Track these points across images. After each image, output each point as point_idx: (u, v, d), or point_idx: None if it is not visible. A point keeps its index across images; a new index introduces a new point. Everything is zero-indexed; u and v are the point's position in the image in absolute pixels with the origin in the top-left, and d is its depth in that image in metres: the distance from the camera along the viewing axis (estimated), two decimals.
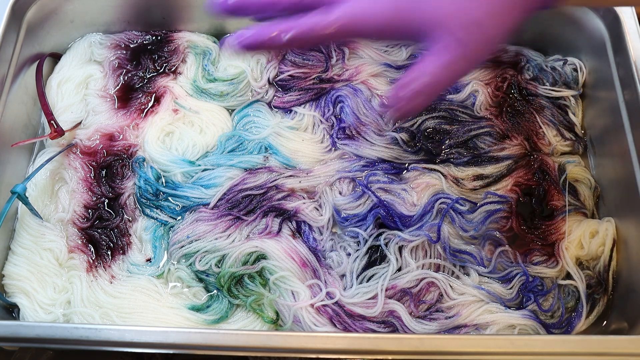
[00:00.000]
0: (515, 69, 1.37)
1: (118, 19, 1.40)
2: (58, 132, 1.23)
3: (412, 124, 1.31)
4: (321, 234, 1.21)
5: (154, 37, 1.42)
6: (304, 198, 1.23)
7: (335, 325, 1.10)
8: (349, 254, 1.18)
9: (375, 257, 1.18)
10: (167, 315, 1.12)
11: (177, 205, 1.23)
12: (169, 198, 1.24)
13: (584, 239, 1.17)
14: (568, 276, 1.15)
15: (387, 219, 1.20)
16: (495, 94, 1.35)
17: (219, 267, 1.16)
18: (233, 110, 1.36)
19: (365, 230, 1.19)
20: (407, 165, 1.28)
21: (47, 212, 1.23)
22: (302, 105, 1.34)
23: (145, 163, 1.27)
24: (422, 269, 1.16)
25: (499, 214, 1.20)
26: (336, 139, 1.30)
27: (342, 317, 1.10)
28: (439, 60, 0.81)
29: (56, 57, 1.39)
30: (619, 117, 1.20)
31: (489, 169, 1.26)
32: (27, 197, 1.17)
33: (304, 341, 0.96)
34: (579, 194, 1.24)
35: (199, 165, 1.26)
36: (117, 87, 1.36)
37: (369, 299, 1.12)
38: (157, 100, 1.34)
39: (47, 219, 1.22)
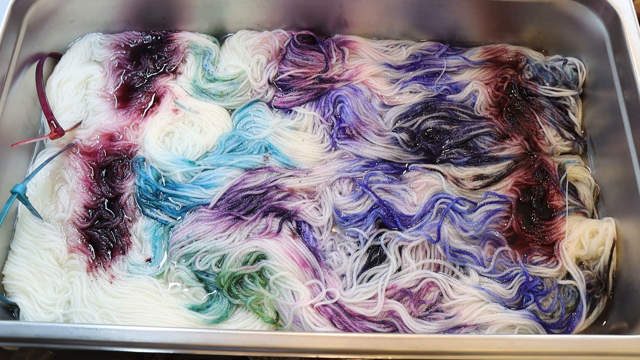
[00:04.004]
0: (515, 69, 1.37)
1: (118, 18, 1.40)
2: (58, 132, 1.23)
3: (412, 124, 1.31)
4: (321, 233, 1.21)
5: (154, 37, 1.42)
6: (304, 198, 1.23)
7: (335, 325, 1.10)
8: (349, 254, 1.18)
9: (375, 257, 1.18)
10: (167, 315, 1.12)
11: (177, 205, 1.23)
12: (169, 198, 1.24)
13: (584, 238, 1.17)
14: (568, 276, 1.15)
15: (387, 219, 1.20)
16: (495, 94, 1.35)
17: (219, 267, 1.16)
18: (233, 110, 1.36)
19: (365, 230, 1.19)
20: (407, 165, 1.28)
21: (47, 212, 1.23)
22: (302, 105, 1.34)
23: (145, 163, 1.27)
24: (422, 269, 1.16)
25: (499, 214, 1.20)
26: (336, 139, 1.30)
27: (342, 317, 1.10)
28: None
29: (56, 57, 1.39)
30: (619, 117, 1.20)
31: (489, 169, 1.26)
32: (27, 197, 1.17)
33: (304, 341, 0.97)
34: (579, 193, 1.24)
35: (199, 165, 1.26)
36: (117, 87, 1.36)
37: (369, 299, 1.13)
38: (157, 100, 1.34)
39: (47, 219, 1.22)
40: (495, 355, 0.97)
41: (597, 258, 1.17)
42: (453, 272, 1.17)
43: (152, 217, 1.22)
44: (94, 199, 1.23)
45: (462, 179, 1.25)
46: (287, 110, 1.34)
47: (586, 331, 1.13)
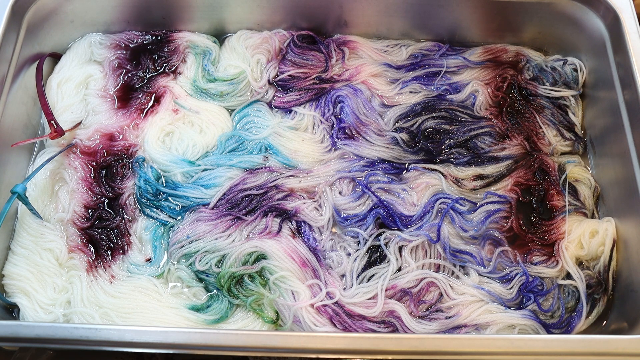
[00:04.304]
0: (515, 69, 1.37)
1: (118, 18, 1.40)
2: (58, 132, 1.23)
3: (412, 124, 1.31)
4: (321, 233, 1.21)
5: (154, 37, 1.42)
6: (304, 198, 1.23)
7: (335, 325, 1.10)
8: (349, 254, 1.18)
9: (375, 257, 1.18)
10: (167, 315, 1.12)
11: (177, 205, 1.23)
12: (169, 198, 1.24)
13: (584, 238, 1.17)
14: (568, 276, 1.15)
15: (387, 219, 1.20)
16: (495, 94, 1.35)
17: (219, 267, 1.16)
18: (233, 110, 1.36)
19: (365, 230, 1.19)
20: (407, 165, 1.28)
21: (47, 212, 1.23)
22: (302, 105, 1.34)
23: (145, 163, 1.27)
24: (422, 269, 1.16)
25: (499, 214, 1.20)
26: (336, 139, 1.30)
27: (342, 317, 1.10)
28: None
29: (56, 57, 1.39)
30: (619, 117, 1.20)
31: (489, 169, 1.26)
32: (27, 197, 1.17)
33: (304, 341, 0.97)
34: (579, 193, 1.24)
35: (199, 165, 1.26)
36: (117, 87, 1.36)
37: (369, 299, 1.12)
38: (157, 100, 1.34)
39: (47, 219, 1.22)
40: (495, 355, 0.97)
41: (597, 258, 1.17)
42: (453, 272, 1.17)
43: (152, 217, 1.22)
44: (94, 199, 1.23)
45: (462, 179, 1.25)
46: (287, 110, 1.34)
47: (586, 331, 1.13)
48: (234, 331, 1.00)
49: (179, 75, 1.38)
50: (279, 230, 1.19)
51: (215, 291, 1.15)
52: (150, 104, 1.34)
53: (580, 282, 1.14)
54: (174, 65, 1.39)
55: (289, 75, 1.37)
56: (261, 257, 1.16)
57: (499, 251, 1.17)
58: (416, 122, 1.31)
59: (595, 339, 0.98)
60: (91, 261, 1.17)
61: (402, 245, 1.18)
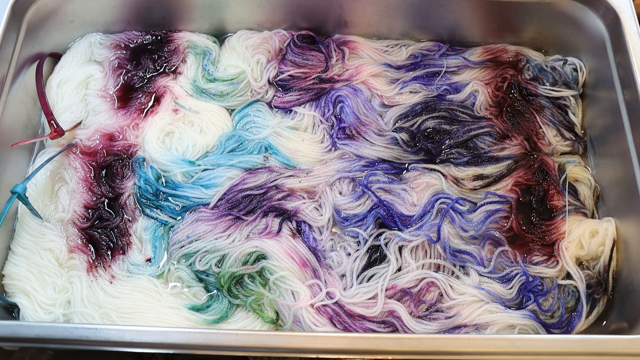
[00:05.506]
0: (515, 69, 1.37)
1: (118, 18, 1.40)
2: (58, 132, 1.23)
3: (412, 124, 1.31)
4: (321, 233, 1.21)
5: (154, 37, 1.42)
6: (304, 198, 1.23)
7: (335, 325, 1.10)
8: (349, 254, 1.18)
9: (375, 257, 1.18)
10: (167, 315, 1.12)
11: (177, 205, 1.23)
12: (169, 198, 1.24)
13: (584, 238, 1.17)
14: (568, 276, 1.15)
15: (387, 219, 1.20)
16: (495, 94, 1.35)
17: (219, 267, 1.16)
18: (233, 110, 1.36)
19: (366, 230, 1.19)
20: (407, 165, 1.28)
21: (47, 212, 1.23)
22: (302, 105, 1.34)
23: (145, 163, 1.27)
24: (422, 269, 1.16)
25: (499, 214, 1.20)
26: (336, 139, 1.30)
27: (342, 317, 1.10)
28: None
29: (56, 57, 1.39)
30: (619, 117, 1.20)
31: (489, 169, 1.26)
32: (27, 197, 1.17)
33: (304, 341, 0.97)
34: (579, 194, 1.24)
35: (199, 165, 1.26)
36: (117, 87, 1.36)
37: (369, 298, 1.12)
38: (157, 100, 1.34)
39: (47, 219, 1.22)
40: (495, 355, 0.97)
41: (597, 258, 1.17)
42: (453, 272, 1.17)
43: (152, 217, 1.22)
44: (94, 199, 1.23)
45: (462, 179, 1.25)
46: (287, 110, 1.34)
47: (586, 331, 1.13)
48: (234, 331, 1.00)
49: (179, 75, 1.38)
50: (279, 230, 1.19)
51: (215, 291, 1.15)
52: (150, 104, 1.34)
53: (580, 282, 1.14)
54: (174, 65, 1.39)
55: (289, 75, 1.37)
56: (261, 257, 1.16)
57: (499, 251, 1.17)
58: (416, 122, 1.31)
59: (595, 339, 0.98)
60: (91, 261, 1.17)
61: (402, 245, 1.18)
